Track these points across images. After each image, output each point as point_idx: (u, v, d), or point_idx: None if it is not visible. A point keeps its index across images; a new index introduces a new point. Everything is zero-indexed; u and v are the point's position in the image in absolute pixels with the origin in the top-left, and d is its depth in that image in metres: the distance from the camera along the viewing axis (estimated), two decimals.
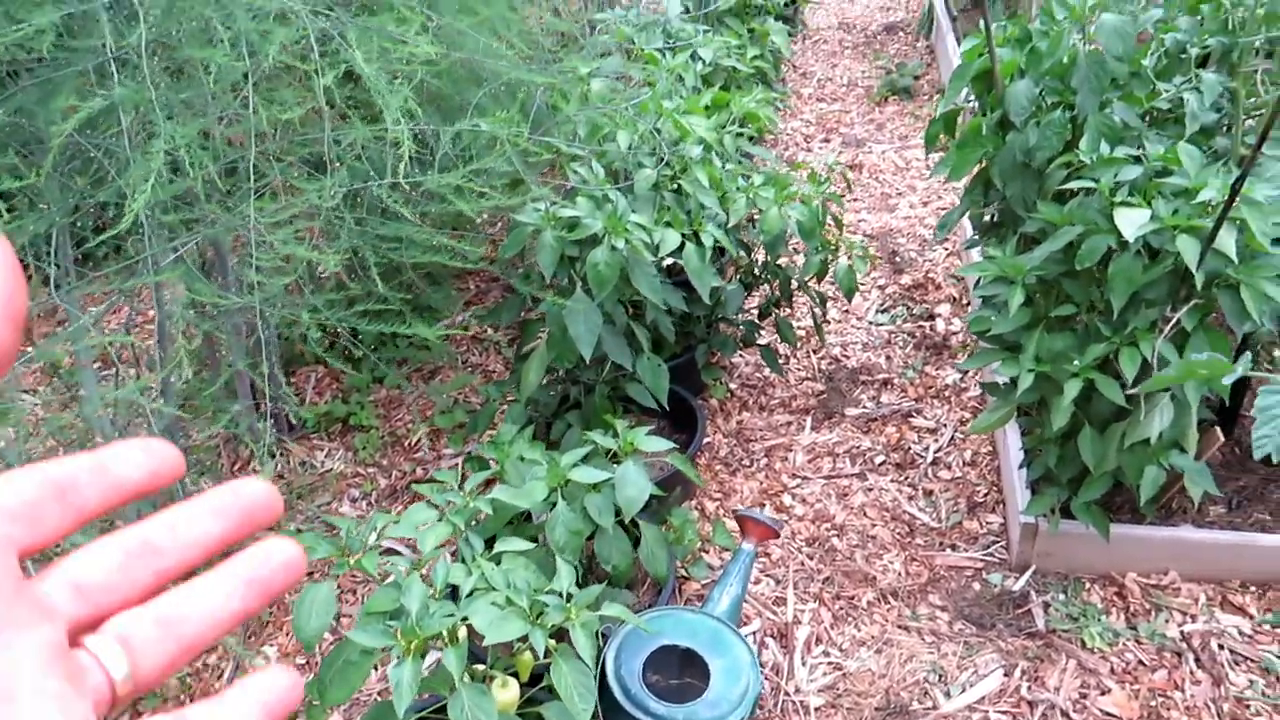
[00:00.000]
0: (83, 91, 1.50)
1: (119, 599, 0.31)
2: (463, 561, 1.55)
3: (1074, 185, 1.89)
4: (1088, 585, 2.27)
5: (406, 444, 2.95)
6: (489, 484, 2.27)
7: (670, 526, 2.34)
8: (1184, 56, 2.05)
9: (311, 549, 1.49)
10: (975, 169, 2.37)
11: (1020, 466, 2.36)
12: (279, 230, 1.62)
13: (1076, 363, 1.90)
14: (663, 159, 2.32)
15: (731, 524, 2.52)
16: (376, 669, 2.22)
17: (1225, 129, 2.19)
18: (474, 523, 1.76)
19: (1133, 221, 1.75)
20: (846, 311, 3.39)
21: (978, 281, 2.64)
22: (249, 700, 0.32)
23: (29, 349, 2.70)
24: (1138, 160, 1.89)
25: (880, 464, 2.72)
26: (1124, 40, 1.91)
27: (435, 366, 3.29)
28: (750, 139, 3.11)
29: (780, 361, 3.12)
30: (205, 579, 0.33)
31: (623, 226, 2.02)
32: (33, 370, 3.13)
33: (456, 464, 2.79)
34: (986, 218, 2.67)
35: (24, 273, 0.30)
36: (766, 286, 2.84)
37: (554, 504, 1.81)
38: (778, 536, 2.09)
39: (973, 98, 2.46)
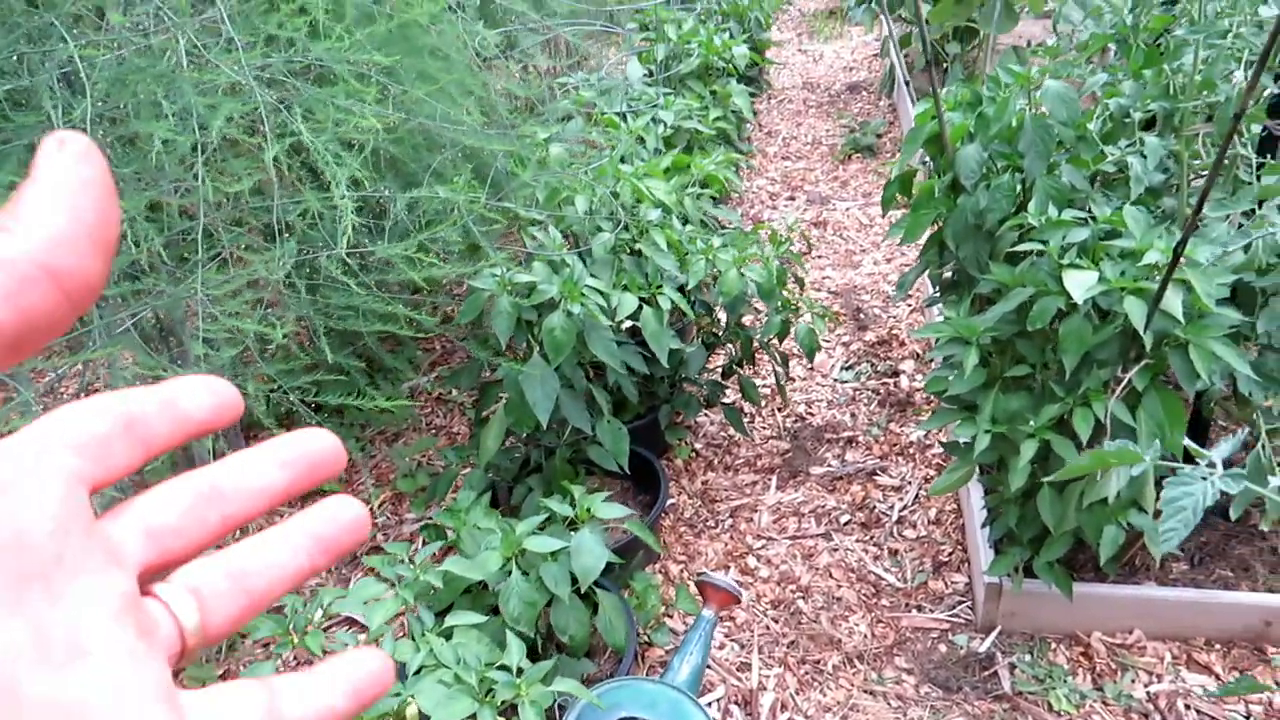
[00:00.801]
0: (26, 166, 1.49)
1: (188, 545, 0.29)
2: (412, 637, 1.51)
3: (1024, 248, 1.92)
4: (1054, 645, 2.25)
5: (369, 509, 2.90)
6: (448, 550, 2.24)
7: (632, 591, 2.31)
8: (1128, 120, 2.10)
9: (254, 628, 1.45)
10: (930, 230, 2.40)
11: (983, 525, 2.36)
12: (228, 301, 1.60)
13: (1032, 423, 1.91)
14: (621, 223, 2.34)
15: (696, 588, 2.49)
16: None
17: (1173, 189, 2.23)
18: (431, 590, 1.73)
19: (1081, 283, 1.77)
20: (811, 369, 3.40)
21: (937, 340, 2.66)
22: (340, 677, 0.30)
23: None
24: (1085, 223, 1.92)
25: (846, 523, 2.71)
26: (1068, 106, 1.95)
27: (399, 429, 3.26)
28: (714, 199, 3.14)
29: (745, 420, 3.11)
30: (275, 533, 0.32)
31: (578, 291, 2.02)
32: None
33: (418, 528, 2.75)
34: (946, 274, 2.70)
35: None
36: (730, 346, 2.85)
37: (509, 573, 1.78)
38: (739, 602, 2.06)
39: (927, 159, 2.50)
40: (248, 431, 2.96)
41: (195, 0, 1.55)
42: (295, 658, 2.40)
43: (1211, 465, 0.98)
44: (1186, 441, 1.05)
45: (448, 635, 1.54)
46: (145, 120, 1.42)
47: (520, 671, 1.46)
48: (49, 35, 1.46)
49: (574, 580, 1.83)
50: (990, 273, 2.02)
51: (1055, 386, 1.89)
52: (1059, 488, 2.01)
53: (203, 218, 1.59)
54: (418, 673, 1.41)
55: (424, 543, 1.93)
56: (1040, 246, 1.89)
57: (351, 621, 2.49)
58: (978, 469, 2.41)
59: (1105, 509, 1.94)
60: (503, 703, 1.40)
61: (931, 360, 3.38)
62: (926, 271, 2.56)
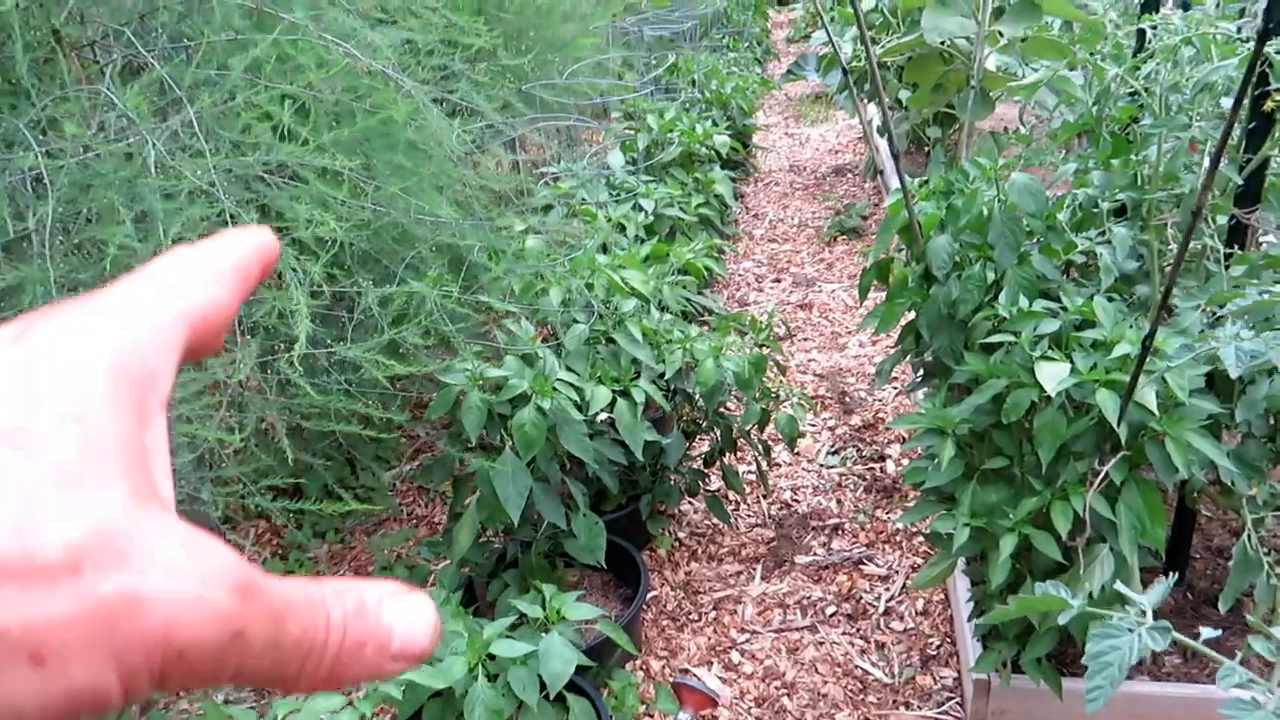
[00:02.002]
0: None
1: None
2: None
3: (997, 339, 1.91)
4: None
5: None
6: None
7: (610, 691, 2.25)
8: (1096, 210, 2.11)
9: None
10: (905, 318, 2.39)
11: (969, 619, 2.30)
12: (192, 402, 1.58)
13: (1012, 516, 1.87)
14: (595, 314, 2.33)
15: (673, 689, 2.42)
16: None
17: (1147, 276, 2.23)
18: (390, 699, 1.67)
19: (1053, 375, 1.75)
20: (797, 454, 3.37)
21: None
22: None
23: None
24: (1056, 314, 1.91)
25: (831, 615, 2.65)
26: (1035, 197, 1.96)
27: (379, 519, 3.21)
28: (698, 286, 3.15)
29: (730, 508, 3.07)
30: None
31: (549, 386, 2.00)
32: None
33: None
34: (928, 357, 2.69)
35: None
36: (712, 434, 2.82)
37: (476, 679, 1.72)
38: (717, 705, 2.00)
39: (903, 246, 2.52)
40: (228, 522, 2.91)
41: (159, 107, 1.56)
42: None
43: (1142, 614, 0.95)
44: (1119, 585, 1.02)
45: None
46: (106, 226, 1.42)
47: None
48: (13, 142, 1.47)
49: (544, 684, 1.78)
50: (965, 363, 2.01)
51: (1033, 479, 1.86)
52: (1043, 579, 1.96)
53: None
54: None
55: None
56: (1012, 338, 1.89)
57: None
58: (962, 560, 2.37)
59: (1089, 603, 1.89)
60: None
61: (916, 447, 3.34)
62: (906, 358, 2.56)
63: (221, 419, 1.59)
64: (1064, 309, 1.94)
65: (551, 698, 1.77)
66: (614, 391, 2.15)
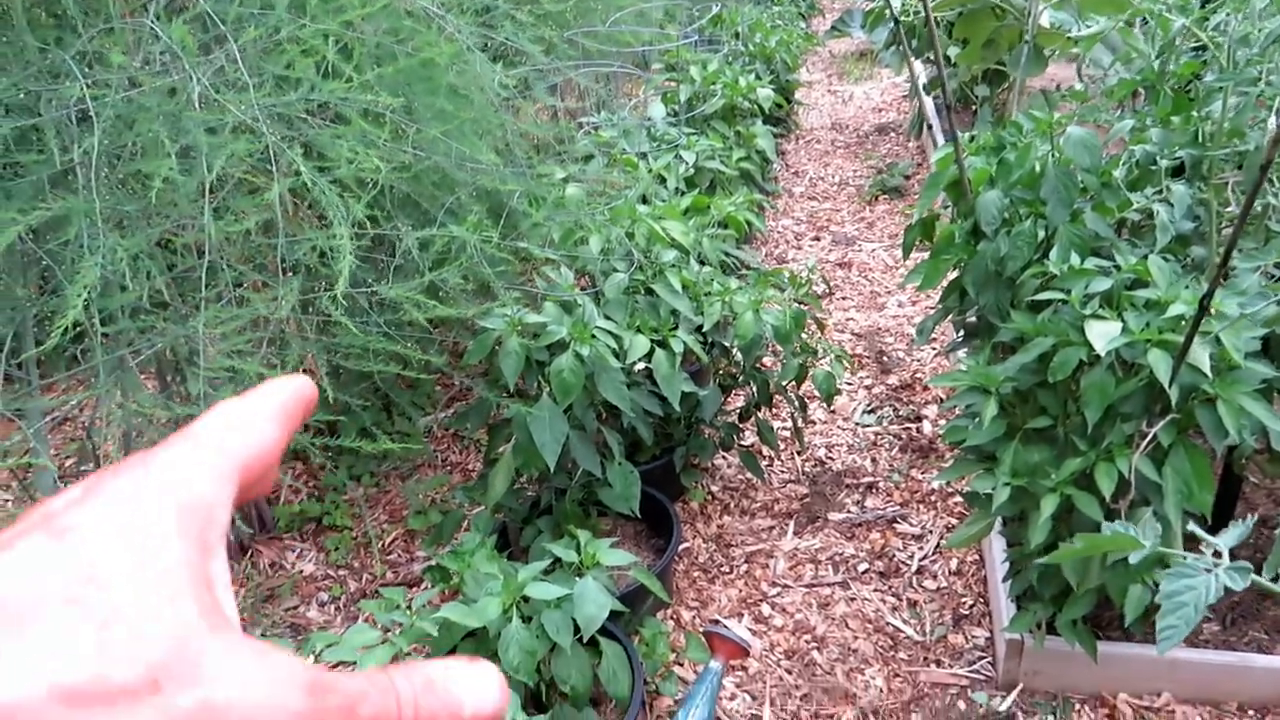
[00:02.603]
0: (36, 200, 1.50)
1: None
2: None
3: (1045, 296, 1.87)
4: (1077, 706, 2.17)
5: (380, 545, 2.88)
6: (454, 594, 2.20)
7: (641, 638, 2.26)
8: (1154, 168, 2.05)
9: None
10: (950, 276, 2.35)
11: (1004, 579, 2.28)
12: (232, 338, 1.59)
13: (1054, 477, 1.85)
14: (635, 264, 2.31)
15: (704, 639, 2.43)
16: None
17: (1202, 238, 2.17)
18: (427, 637, 1.69)
19: (1104, 335, 1.71)
20: (833, 412, 3.34)
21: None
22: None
23: None
24: (1109, 272, 1.86)
25: (864, 572, 2.64)
26: (1091, 153, 1.90)
27: (414, 464, 3.24)
28: (736, 240, 3.11)
29: (763, 464, 3.06)
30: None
31: (588, 333, 1.99)
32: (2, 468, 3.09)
33: (427, 567, 2.72)
34: (971, 318, 2.64)
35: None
36: (748, 388, 2.80)
37: (510, 620, 1.74)
38: (749, 654, 2.00)
39: (949, 203, 2.47)
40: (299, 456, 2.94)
41: (205, 41, 1.55)
42: None
43: (1217, 555, 0.92)
44: (1192, 527, 0.99)
45: None
46: (151, 159, 1.42)
47: None
48: (60, 74, 1.47)
49: (577, 628, 1.79)
50: (1011, 321, 1.97)
51: (1078, 440, 1.83)
52: None
53: (208, 255, 1.59)
54: None
55: (428, 585, 1.89)
56: (1062, 296, 1.84)
57: (347, 668, 2.45)
58: (999, 521, 2.35)
59: (1129, 568, 1.86)
60: None
61: (954, 407, 3.31)
62: (948, 317, 2.52)
63: (264, 356, 1.60)
64: (1117, 268, 1.89)
65: (585, 641, 1.78)
66: (652, 341, 2.14)
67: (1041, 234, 2.03)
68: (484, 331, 2.05)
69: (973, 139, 2.39)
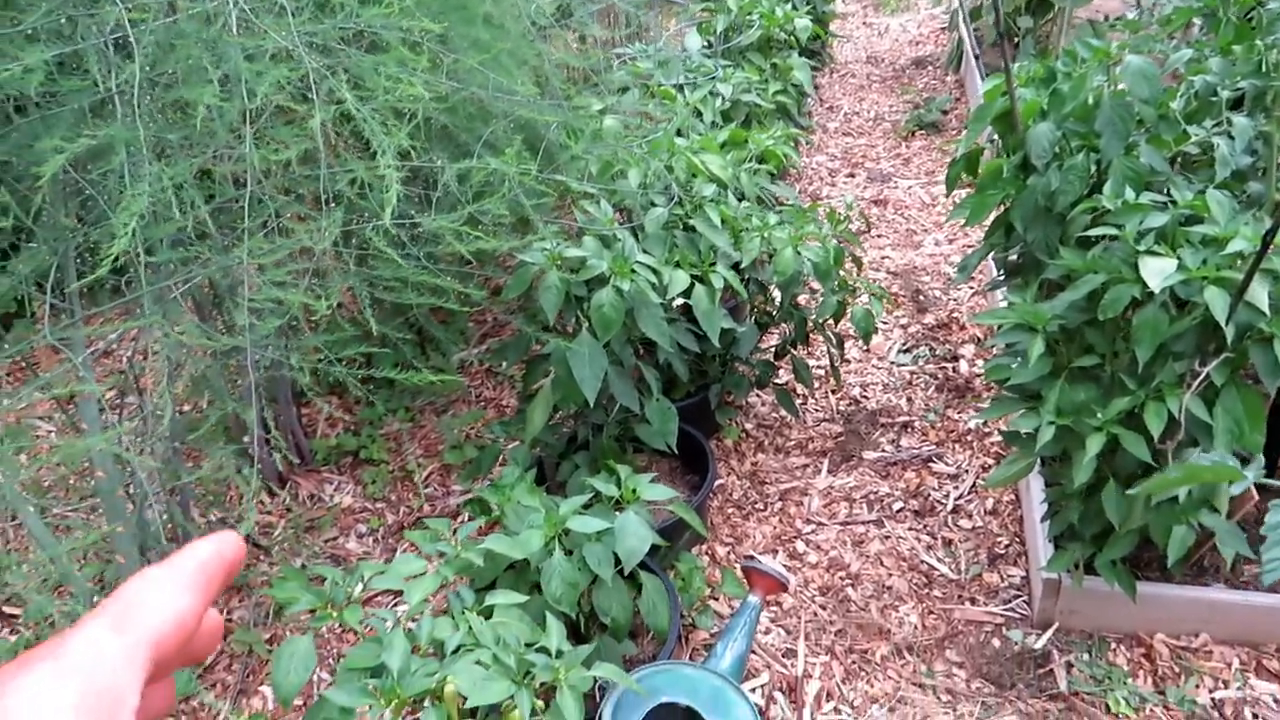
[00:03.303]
0: (78, 129, 1.48)
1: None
2: (451, 615, 1.49)
3: (1097, 232, 1.82)
4: (1113, 645, 2.17)
5: (416, 479, 2.90)
6: (492, 526, 2.22)
7: (677, 573, 2.28)
8: (1214, 99, 1.98)
9: (293, 600, 1.44)
10: (996, 211, 2.30)
11: (1043, 519, 2.27)
12: (271, 271, 1.59)
13: (1100, 416, 1.82)
14: (674, 198, 2.28)
15: (742, 574, 2.45)
16: None
17: (1260, 174, 2.10)
18: (472, 568, 1.70)
19: (1158, 271, 1.67)
20: (867, 351, 3.32)
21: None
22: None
23: (39, 376, 2.69)
24: (1164, 207, 1.81)
25: (898, 511, 2.64)
26: (1150, 83, 1.84)
27: (448, 400, 3.25)
28: (771, 175, 3.06)
29: (798, 402, 3.05)
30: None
31: (628, 268, 1.97)
32: (46, 399, 3.14)
33: (463, 502, 2.75)
34: (1011, 259, 2.60)
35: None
36: (784, 326, 2.78)
37: (552, 552, 1.75)
38: (786, 589, 2.01)
39: (995, 137, 2.40)
40: (301, 399, 2.97)
41: None
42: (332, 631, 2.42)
43: None
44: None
45: (488, 614, 1.52)
46: (193, 86, 1.40)
47: (560, 654, 1.43)
48: None
49: (617, 561, 1.80)
50: (1060, 257, 1.93)
51: (1126, 379, 1.80)
52: (1125, 483, 1.92)
53: (250, 185, 1.57)
54: (455, 652, 1.38)
55: (468, 518, 1.91)
56: (1115, 231, 1.80)
57: (391, 595, 2.49)
58: (1039, 461, 2.33)
59: (1175, 508, 1.85)
60: (541, 685, 1.37)
61: (993, 346, 3.27)
62: (991, 254, 2.47)
63: (307, 287, 1.59)
64: (1172, 203, 1.84)
65: (626, 574, 1.80)
66: (692, 277, 2.11)
67: (1093, 169, 1.97)
68: (523, 266, 2.03)
69: (1022, 71, 2.32)
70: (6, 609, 2.55)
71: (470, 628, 1.42)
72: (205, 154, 1.53)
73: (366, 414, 3.14)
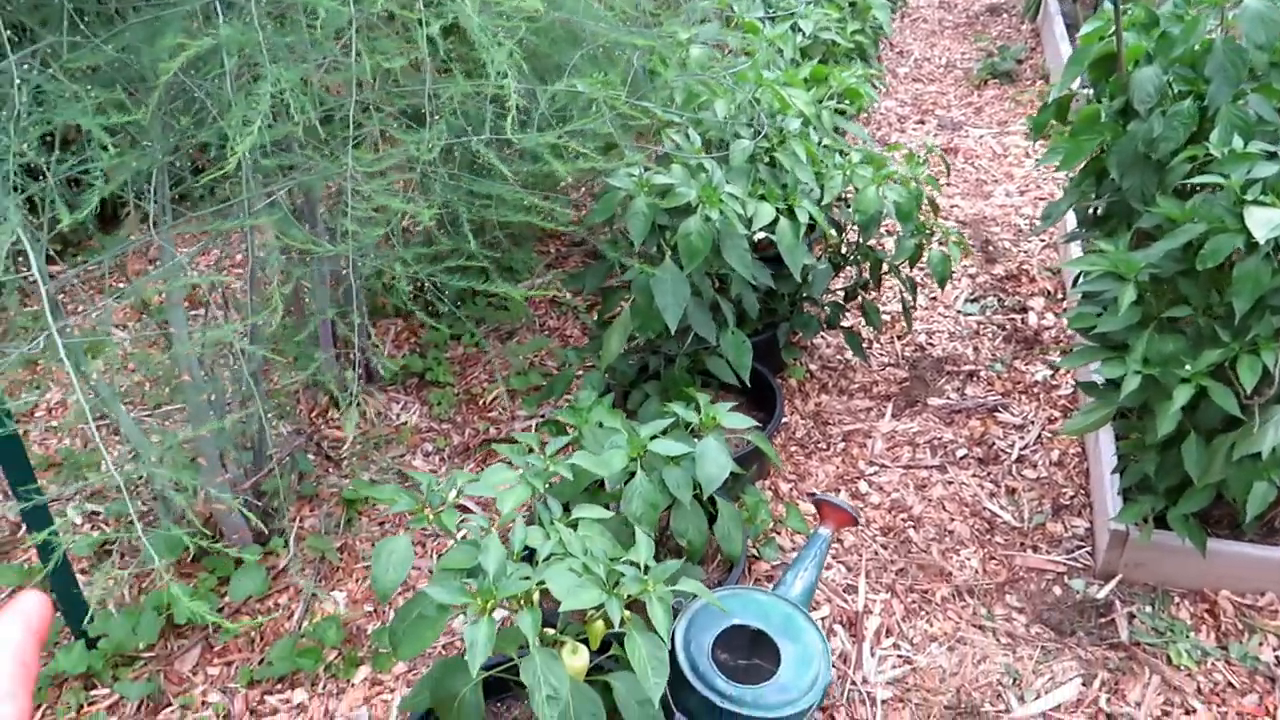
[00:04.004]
0: (190, 31, 1.50)
1: None
2: (540, 525, 1.53)
3: (1200, 180, 1.79)
4: (1176, 600, 2.17)
5: (481, 403, 2.95)
6: (563, 449, 2.26)
7: (743, 505, 2.31)
8: None
9: (392, 501, 1.49)
10: (1086, 159, 2.26)
11: (1113, 472, 2.27)
12: (374, 180, 1.61)
13: (1188, 367, 1.80)
14: (760, 130, 2.26)
15: (806, 507, 2.48)
16: None
17: None
18: (549, 485, 1.74)
19: (1265, 222, 1.64)
20: (934, 299, 3.29)
21: (1077, 278, 2.53)
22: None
23: (123, 285, 2.75)
24: (1273, 156, 1.77)
25: (962, 457, 2.64)
26: (1268, 28, 1.79)
27: (512, 328, 3.28)
28: (842, 114, 3.02)
29: (863, 346, 3.04)
30: None
31: (717, 197, 1.97)
32: (123, 306, 3.21)
33: (530, 426, 2.79)
34: (1092, 210, 2.55)
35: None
36: (854, 269, 2.76)
37: (632, 474, 1.78)
38: (856, 524, 2.03)
39: (1086, 85, 2.35)
40: (374, 319, 3.01)
41: None
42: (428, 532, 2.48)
43: None
44: None
45: (573, 527, 1.55)
46: None
47: (647, 569, 1.46)
48: None
49: (693, 487, 1.83)
50: (1156, 206, 1.90)
51: (1220, 330, 1.78)
52: (1207, 438, 1.91)
53: (354, 95, 1.59)
54: (547, 559, 1.42)
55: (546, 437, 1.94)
56: (1220, 180, 1.76)
57: (482, 505, 2.54)
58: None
59: (1257, 464, 1.84)
60: (629, 596, 1.41)
61: (1063, 299, 3.23)
62: (1074, 203, 2.43)
63: (406, 199, 1.61)
64: None
65: (704, 498, 1.82)
66: (777, 210, 2.11)
67: (1198, 116, 1.93)
68: (610, 191, 2.03)
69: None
70: (89, 505, 2.64)
71: (560, 538, 1.46)
72: (312, 62, 1.54)
73: (431, 337, 3.18)
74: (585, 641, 1.57)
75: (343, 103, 1.63)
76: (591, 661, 1.58)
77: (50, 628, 0.38)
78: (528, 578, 1.37)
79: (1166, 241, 1.83)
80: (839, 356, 3.04)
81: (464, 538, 1.51)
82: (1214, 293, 1.83)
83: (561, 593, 1.34)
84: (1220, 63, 1.84)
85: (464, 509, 2.56)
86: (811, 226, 2.42)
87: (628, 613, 1.42)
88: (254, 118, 1.24)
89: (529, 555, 1.49)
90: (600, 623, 1.55)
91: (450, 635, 2.21)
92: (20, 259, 1.45)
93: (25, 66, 1.36)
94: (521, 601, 1.38)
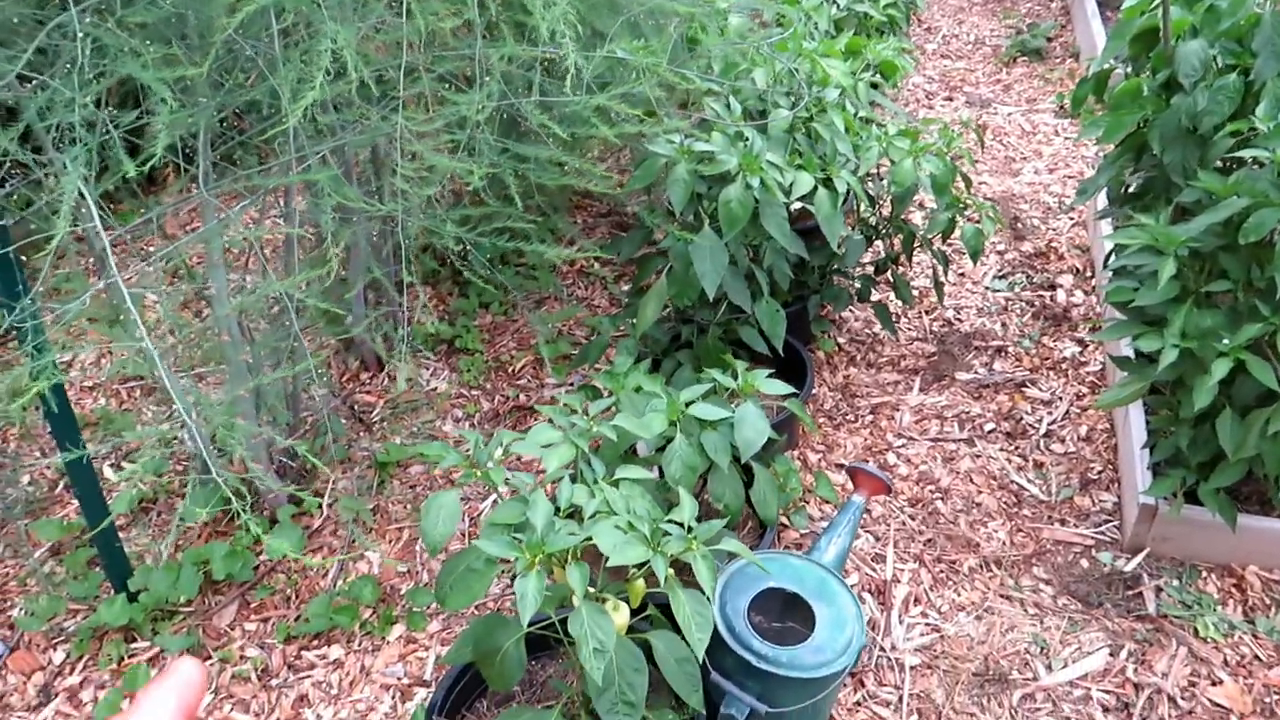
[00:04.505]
0: None
1: None
2: (585, 483, 1.55)
3: (1246, 154, 1.78)
4: (1204, 574, 2.19)
5: (510, 370, 2.97)
6: (602, 413, 2.28)
7: (774, 473, 2.32)
8: None
9: (440, 457, 1.51)
10: (1125, 134, 2.25)
11: (1143, 447, 2.28)
12: (424, 141, 1.62)
13: (1226, 341, 1.81)
14: (799, 100, 2.26)
15: (835, 477, 2.49)
16: None
17: None
18: (604, 440, 1.76)
19: None
20: (962, 275, 3.29)
21: (1108, 257, 2.54)
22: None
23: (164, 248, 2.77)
24: None
25: (990, 431, 2.66)
26: None
27: (540, 297, 3.30)
28: (874, 87, 3.01)
29: (892, 320, 3.05)
30: None
31: (758, 165, 1.97)
32: (160, 268, 3.23)
33: (559, 393, 2.81)
34: (1129, 187, 2.55)
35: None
36: (883, 242, 2.77)
37: (670, 438, 1.80)
38: (889, 492, 2.05)
39: (1122, 59, 2.34)
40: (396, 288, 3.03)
41: None
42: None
43: None
44: None
45: (614, 487, 1.57)
46: None
47: (690, 529, 1.48)
48: None
49: (730, 452, 1.85)
50: (1197, 180, 1.90)
51: (1260, 304, 1.78)
52: (1242, 412, 1.92)
53: (404, 55, 1.60)
54: (593, 517, 1.45)
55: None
56: (1265, 154, 1.76)
57: (524, 466, 2.57)
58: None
59: None
60: (673, 554, 1.43)
61: (1092, 277, 3.23)
62: (1109, 178, 2.42)
63: (458, 158, 1.62)
64: None
65: (742, 462, 1.84)
66: (816, 180, 2.11)
67: (1244, 90, 1.92)
68: (650, 157, 2.04)
69: None
70: (126, 464, 2.68)
71: (605, 497, 1.48)
72: (364, 22, 1.55)
73: (460, 305, 3.20)
74: (625, 601, 1.60)
75: (393, 64, 1.64)
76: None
77: (203, 699, 0.39)
78: (574, 533, 1.40)
79: (1208, 215, 1.83)
80: (867, 330, 3.05)
81: (511, 495, 1.53)
82: (1255, 268, 1.83)
83: (608, 548, 1.37)
84: (1268, 36, 1.83)
85: (528, 463, 2.60)
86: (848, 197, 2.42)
87: (670, 571, 1.44)
88: (314, 73, 1.25)
89: (572, 514, 1.51)
90: (641, 582, 1.58)
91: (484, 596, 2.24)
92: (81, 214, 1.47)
93: (87, 19, 1.38)
94: (569, 556, 1.41)
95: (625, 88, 1.84)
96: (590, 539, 1.39)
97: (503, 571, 2.23)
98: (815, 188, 2.11)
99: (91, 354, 3.15)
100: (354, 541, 2.36)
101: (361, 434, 2.76)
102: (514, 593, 1.31)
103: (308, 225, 2.04)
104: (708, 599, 1.42)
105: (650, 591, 1.58)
